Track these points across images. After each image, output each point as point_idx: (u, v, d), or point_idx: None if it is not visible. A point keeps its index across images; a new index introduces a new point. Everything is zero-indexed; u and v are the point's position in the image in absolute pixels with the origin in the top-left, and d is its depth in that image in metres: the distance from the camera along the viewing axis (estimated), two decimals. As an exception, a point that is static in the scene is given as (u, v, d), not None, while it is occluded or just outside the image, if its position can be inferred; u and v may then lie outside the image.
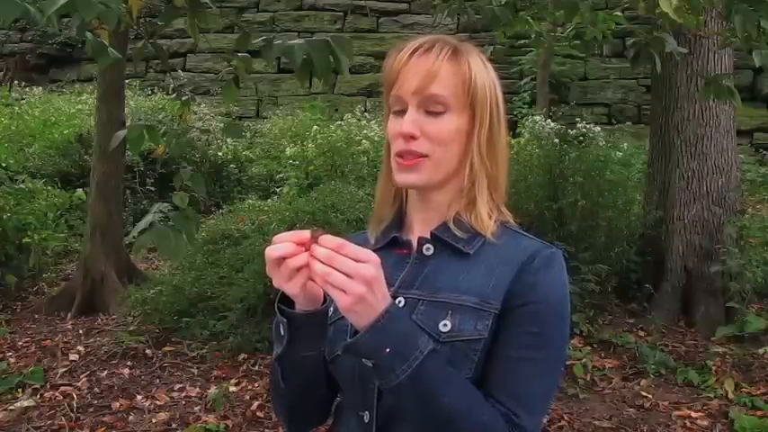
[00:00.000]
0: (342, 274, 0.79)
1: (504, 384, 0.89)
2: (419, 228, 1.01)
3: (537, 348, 0.90)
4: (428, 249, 0.98)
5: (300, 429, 1.06)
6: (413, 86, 0.94)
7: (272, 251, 0.82)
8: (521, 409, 0.88)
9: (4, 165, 5.85)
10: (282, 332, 0.91)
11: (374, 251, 0.95)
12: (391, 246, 1.01)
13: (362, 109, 8.78)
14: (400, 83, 0.95)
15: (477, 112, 0.95)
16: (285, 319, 0.91)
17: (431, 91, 0.93)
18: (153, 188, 6.78)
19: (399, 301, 0.93)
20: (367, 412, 0.93)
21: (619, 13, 2.79)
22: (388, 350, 0.81)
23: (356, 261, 0.79)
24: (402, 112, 0.95)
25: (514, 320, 0.90)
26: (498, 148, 0.98)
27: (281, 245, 0.82)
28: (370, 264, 0.80)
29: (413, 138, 0.93)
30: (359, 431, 0.94)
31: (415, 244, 0.99)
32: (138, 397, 3.46)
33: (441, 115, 0.94)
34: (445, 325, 0.89)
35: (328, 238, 0.81)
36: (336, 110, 9.49)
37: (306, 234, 0.82)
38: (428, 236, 0.98)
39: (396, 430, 0.91)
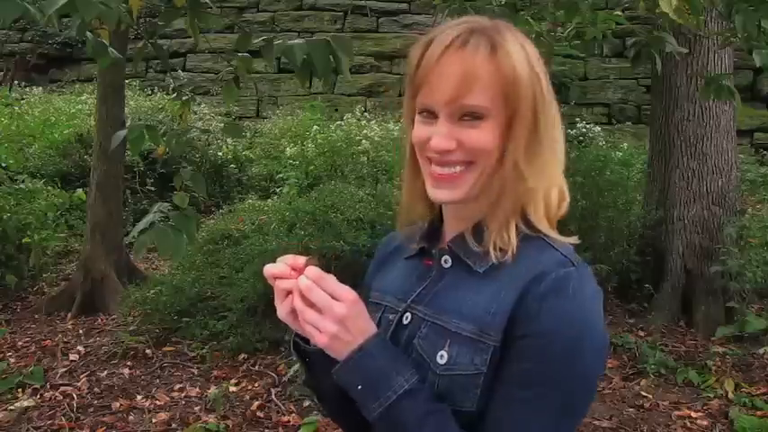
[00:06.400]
0: (314, 313, 0.80)
1: (493, 424, 0.81)
2: (448, 236, 0.92)
3: (531, 388, 0.78)
4: (446, 262, 0.90)
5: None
6: (445, 95, 0.81)
7: (268, 268, 0.85)
8: None
9: (4, 165, 5.84)
10: (300, 365, 0.94)
11: (405, 259, 0.96)
12: (422, 254, 0.95)
13: (362, 109, 8.78)
14: (430, 89, 0.82)
15: (517, 116, 0.83)
16: (299, 356, 0.93)
17: (467, 101, 0.81)
18: (153, 188, 6.78)
19: (407, 317, 0.90)
20: None
21: (619, 13, 2.79)
22: (359, 387, 0.81)
23: (332, 297, 0.80)
24: (430, 115, 0.84)
25: (512, 354, 0.80)
26: (542, 154, 0.85)
27: (277, 264, 0.85)
28: (343, 303, 0.80)
29: (448, 152, 0.83)
30: None
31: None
32: (138, 397, 3.46)
33: (479, 122, 0.82)
34: (442, 356, 0.83)
35: (311, 270, 0.82)
36: (336, 110, 9.49)
37: (301, 261, 0.85)
38: (447, 247, 0.91)
39: None
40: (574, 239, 0.87)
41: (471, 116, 0.82)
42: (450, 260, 0.90)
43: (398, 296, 0.93)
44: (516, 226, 0.85)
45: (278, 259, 0.87)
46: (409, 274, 0.95)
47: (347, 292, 0.82)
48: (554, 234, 0.86)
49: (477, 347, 0.81)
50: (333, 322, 0.80)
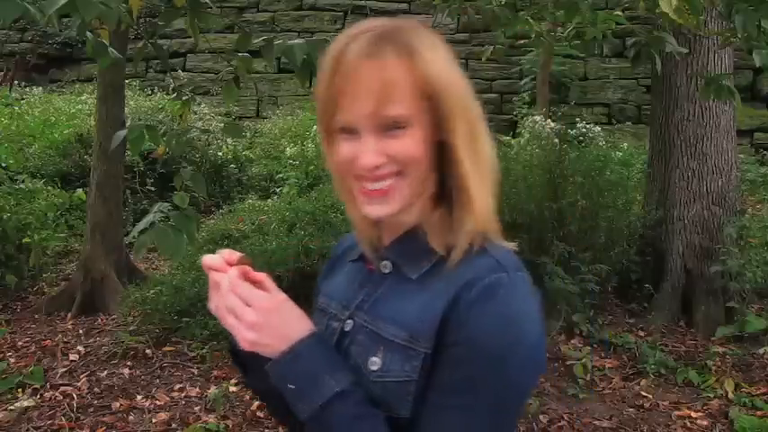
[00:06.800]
0: (233, 319, 0.81)
1: (425, 431, 0.80)
2: (387, 241, 0.90)
3: (461, 395, 0.77)
4: (385, 267, 0.89)
5: None
6: (366, 108, 0.78)
7: (205, 258, 0.86)
8: None
9: (4, 165, 5.84)
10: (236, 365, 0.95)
11: (350, 262, 0.96)
12: (365, 258, 0.94)
13: (362, 109, 8.78)
14: (348, 105, 0.79)
15: (453, 117, 0.81)
16: (233, 354, 0.93)
17: (388, 112, 0.78)
18: (153, 188, 6.78)
19: (349, 325, 0.89)
20: None
21: (619, 13, 2.79)
22: (291, 387, 0.81)
23: (246, 303, 0.81)
24: (352, 132, 0.81)
25: (441, 362, 0.79)
26: (483, 151, 0.84)
27: (215, 255, 0.86)
28: (254, 310, 0.80)
29: (377, 167, 0.81)
30: None
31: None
32: (138, 397, 3.46)
33: (402, 132, 0.80)
34: (374, 363, 0.82)
35: (232, 272, 0.83)
36: (336, 110, 9.48)
37: (237, 256, 0.86)
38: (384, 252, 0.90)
39: None
40: (512, 245, 0.86)
41: (394, 126, 0.79)
42: (389, 266, 0.89)
43: (343, 303, 0.93)
44: (468, 233, 0.83)
45: (217, 251, 0.87)
46: (353, 278, 0.94)
47: (259, 300, 0.81)
48: (494, 238, 0.84)
49: (408, 355, 0.81)
50: (247, 329, 0.80)
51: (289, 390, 0.81)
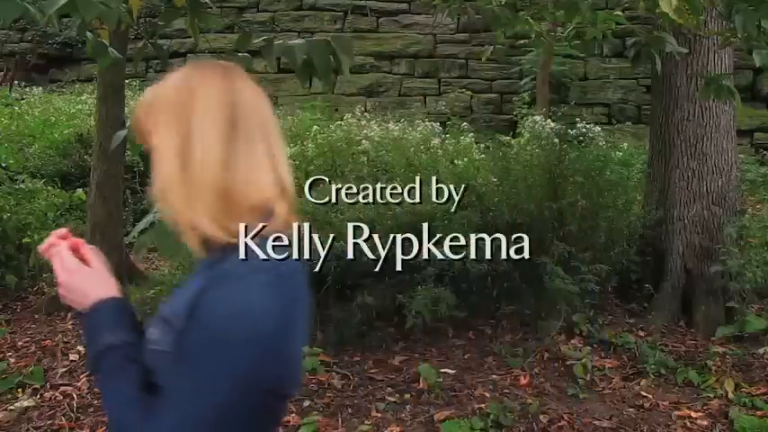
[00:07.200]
0: (58, 278, 1.04)
1: (157, 394, 0.93)
2: None
3: (183, 367, 0.89)
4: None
5: None
6: None
7: (40, 246, 1.09)
8: (150, 416, 0.91)
9: (4, 165, 5.84)
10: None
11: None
12: None
13: (362, 109, 8.78)
14: None
15: (163, 131, 0.98)
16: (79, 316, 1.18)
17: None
18: (153, 188, 6.76)
19: None
20: None
21: (619, 13, 2.79)
22: (84, 333, 1.04)
23: (66, 268, 1.04)
24: None
25: (179, 336, 0.91)
26: (195, 165, 0.96)
27: (49, 237, 1.08)
28: (64, 272, 1.05)
29: None
30: None
31: None
32: (138, 397, 3.46)
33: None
34: (150, 333, 0.98)
35: (63, 245, 1.07)
36: (336, 110, 9.49)
37: (65, 231, 1.09)
38: None
39: None
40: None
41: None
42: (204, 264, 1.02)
43: None
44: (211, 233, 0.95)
45: (51, 233, 1.09)
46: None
47: (71, 264, 1.04)
48: (248, 242, 0.94)
49: (168, 330, 0.94)
50: (61, 287, 1.05)
51: (84, 337, 1.03)
